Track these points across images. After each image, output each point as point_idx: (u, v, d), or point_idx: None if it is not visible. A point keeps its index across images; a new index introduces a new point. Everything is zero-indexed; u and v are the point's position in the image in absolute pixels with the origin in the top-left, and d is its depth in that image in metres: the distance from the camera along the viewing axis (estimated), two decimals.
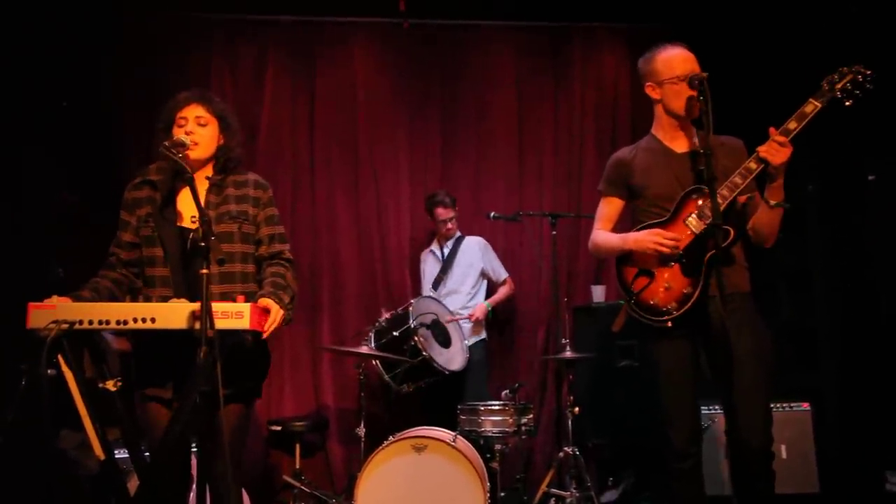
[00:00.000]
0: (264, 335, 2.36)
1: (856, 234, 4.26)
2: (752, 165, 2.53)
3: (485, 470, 3.46)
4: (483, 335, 4.69)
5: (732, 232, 2.58)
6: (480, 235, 4.86)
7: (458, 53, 5.23)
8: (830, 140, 2.53)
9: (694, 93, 2.58)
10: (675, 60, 2.70)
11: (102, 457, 2.26)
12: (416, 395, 4.10)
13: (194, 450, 2.54)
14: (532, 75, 5.27)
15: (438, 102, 5.22)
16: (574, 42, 5.28)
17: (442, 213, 4.68)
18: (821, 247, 4.41)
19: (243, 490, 3.54)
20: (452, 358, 4.21)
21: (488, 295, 4.79)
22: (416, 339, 3.93)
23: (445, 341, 4.23)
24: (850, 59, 2.56)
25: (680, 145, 2.75)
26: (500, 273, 4.80)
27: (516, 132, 5.23)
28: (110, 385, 2.30)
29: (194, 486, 2.47)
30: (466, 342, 4.44)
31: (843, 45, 3.90)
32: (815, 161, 2.48)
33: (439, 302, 4.46)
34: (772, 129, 2.49)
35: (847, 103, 2.51)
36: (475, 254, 4.74)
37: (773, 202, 2.54)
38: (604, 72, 5.30)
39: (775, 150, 2.46)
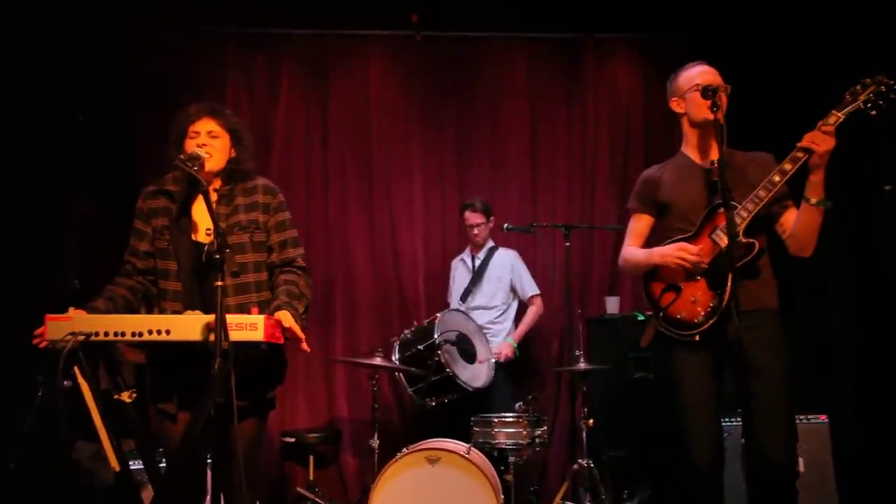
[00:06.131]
0: (298, 333, 2.40)
1: (872, 245, 4.23)
2: (777, 178, 2.51)
3: (499, 482, 3.44)
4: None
5: (757, 245, 2.56)
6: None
7: (471, 65, 5.24)
8: (845, 150, 2.51)
9: (708, 102, 2.55)
10: (695, 72, 2.75)
11: (117, 468, 2.28)
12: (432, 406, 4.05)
13: (209, 461, 2.54)
14: (545, 86, 5.27)
15: (451, 114, 5.23)
16: (587, 53, 5.28)
17: (469, 216, 4.60)
18: (838, 257, 4.37)
19: (258, 502, 3.55)
20: (477, 375, 4.11)
21: (519, 312, 4.64)
22: (439, 354, 3.84)
23: (471, 357, 4.13)
24: (871, 67, 2.53)
25: (707, 159, 2.74)
26: (527, 290, 4.62)
27: (529, 143, 5.23)
28: (125, 396, 2.32)
29: (209, 497, 2.48)
30: (492, 360, 4.29)
31: (863, 54, 3.89)
32: (830, 171, 2.46)
33: (467, 315, 4.33)
34: (820, 122, 2.46)
35: (872, 114, 2.46)
36: (505, 267, 4.60)
37: (814, 200, 2.48)
38: (617, 83, 5.29)
39: (820, 139, 2.42)
